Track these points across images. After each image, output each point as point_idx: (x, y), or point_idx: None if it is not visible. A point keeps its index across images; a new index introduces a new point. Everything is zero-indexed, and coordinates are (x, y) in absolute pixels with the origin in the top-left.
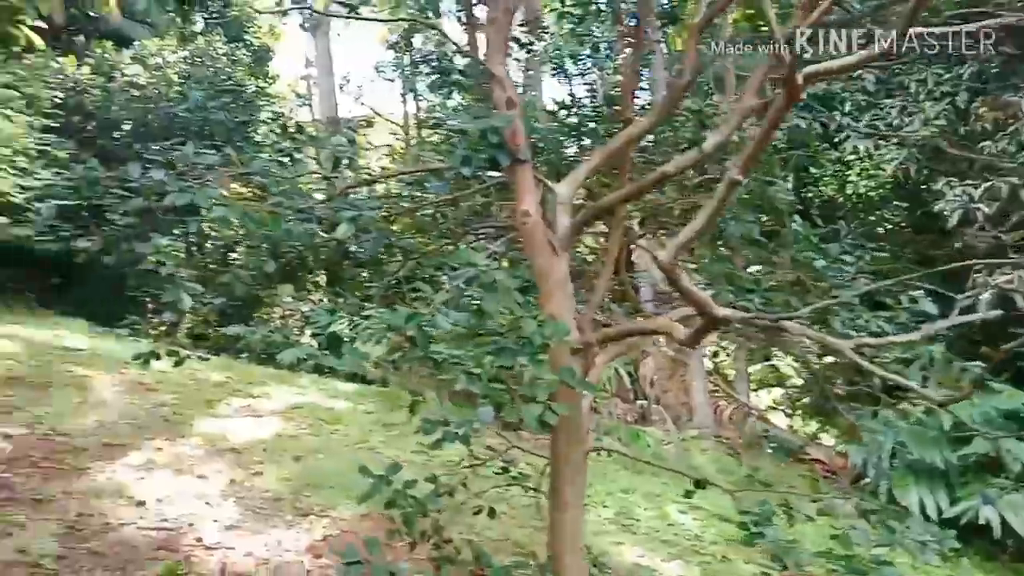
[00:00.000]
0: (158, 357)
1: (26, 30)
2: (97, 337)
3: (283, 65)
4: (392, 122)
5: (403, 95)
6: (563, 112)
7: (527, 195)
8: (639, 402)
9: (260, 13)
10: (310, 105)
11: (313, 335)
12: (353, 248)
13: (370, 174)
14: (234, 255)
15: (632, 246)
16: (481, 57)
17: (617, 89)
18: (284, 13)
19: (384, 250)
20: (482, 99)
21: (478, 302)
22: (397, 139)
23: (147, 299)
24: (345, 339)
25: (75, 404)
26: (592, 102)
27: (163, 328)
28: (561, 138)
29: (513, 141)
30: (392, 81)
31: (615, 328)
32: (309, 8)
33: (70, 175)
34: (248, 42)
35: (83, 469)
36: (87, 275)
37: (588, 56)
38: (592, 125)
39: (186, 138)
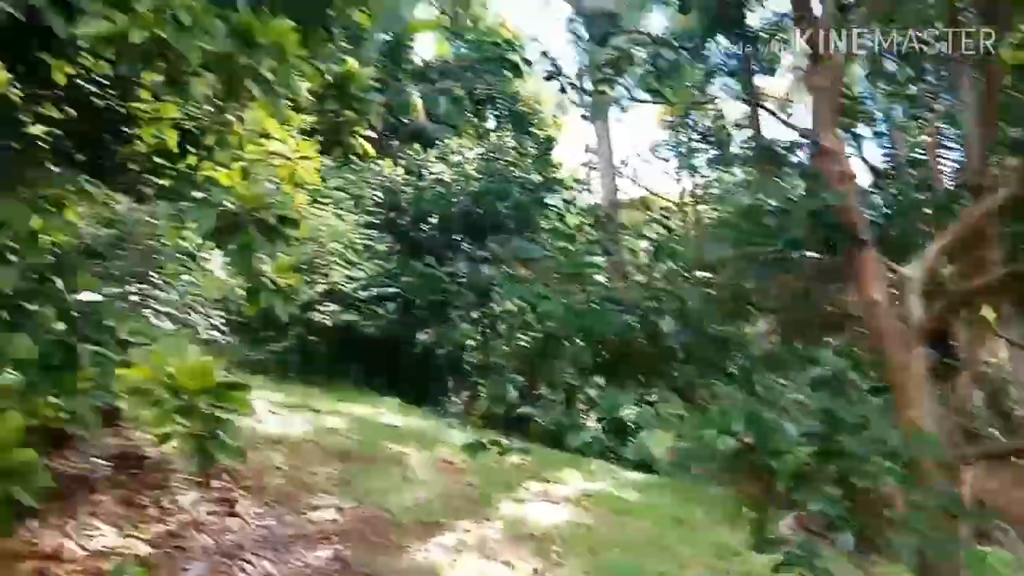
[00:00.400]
0: (485, 448)
1: (360, 139)
2: (409, 414)
3: (564, 153)
4: (669, 200)
5: (678, 173)
6: (882, 181)
7: (871, 280)
8: None
9: (577, 104)
10: (590, 190)
11: (598, 419)
12: (671, 341)
13: (686, 261)
14: (523, 338)
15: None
16: (800, 127)
17: (920, 151)
18: (576, 105)
19: (699, 340)
20: (765, 174)
21: (826, 405)
22: (672, 217)
23: (449, 379)
24: (630, 426)
25: (395, 480)
26: (896, 167)
27: (462, 408)
28: (885, 211)
29: (849, 220)
30: (667, 160)
31: (1005, 444)
32: (604, 100)
33: (391, 267)
34: (534, 134)
35: (403, 546)
36: (399, 356)
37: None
38: (918, 195)
39: (483, 229)
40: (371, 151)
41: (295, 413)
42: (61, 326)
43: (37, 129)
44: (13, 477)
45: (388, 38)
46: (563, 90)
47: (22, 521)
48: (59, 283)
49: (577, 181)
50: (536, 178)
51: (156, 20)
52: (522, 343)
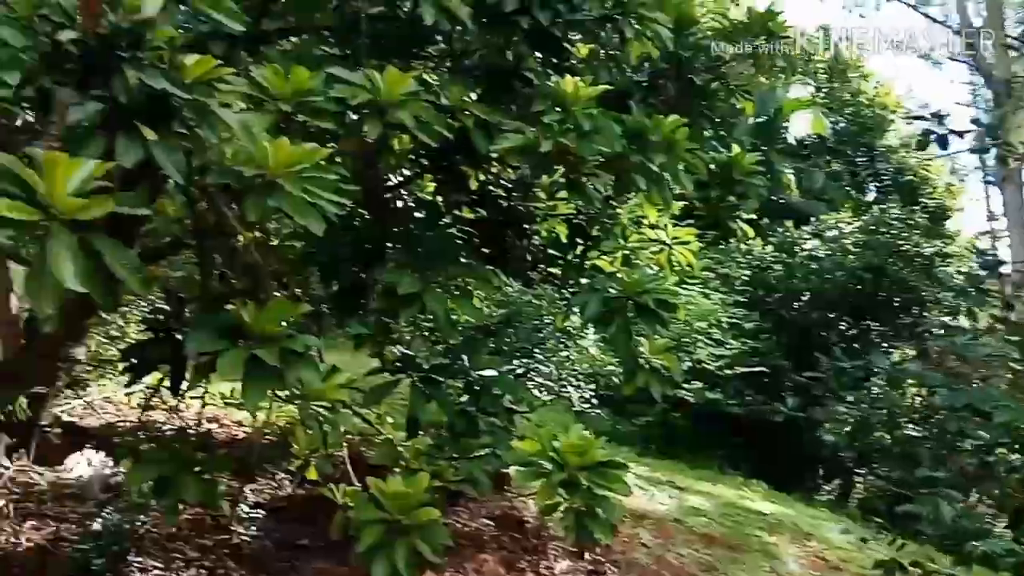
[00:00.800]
0: (904, 569)
1: (741, 223)
2: (776, 500)
3: (964, 222)
4: None
5: None
6: None
7: None
8: None
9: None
10: (997, 262)
11: (1009, 526)
12: None
13: None
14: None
15: None
16: None
17: None
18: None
19: None
20: None
21: None
22: None
23: (819, 465)
24: None
25: (764, 574)
26: None
27: (834, 496)
28: None
29: None
30: None
31: None
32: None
33: (758, 346)
34: (923, 204)
35: None
36: (765, 437)
37: None
38: None
39: (863, 306)
40: (751, 233)
41: (659, 489)
42: (464, 397)
43: (454, 228)
44: (420, 532)
45: (761, 120)
46: (982, 161)
47: (422, 573)
48: (466, 360)
49: (979, 252)
50: (927, 250)
51: (561, 130)
52: (912, 434)
